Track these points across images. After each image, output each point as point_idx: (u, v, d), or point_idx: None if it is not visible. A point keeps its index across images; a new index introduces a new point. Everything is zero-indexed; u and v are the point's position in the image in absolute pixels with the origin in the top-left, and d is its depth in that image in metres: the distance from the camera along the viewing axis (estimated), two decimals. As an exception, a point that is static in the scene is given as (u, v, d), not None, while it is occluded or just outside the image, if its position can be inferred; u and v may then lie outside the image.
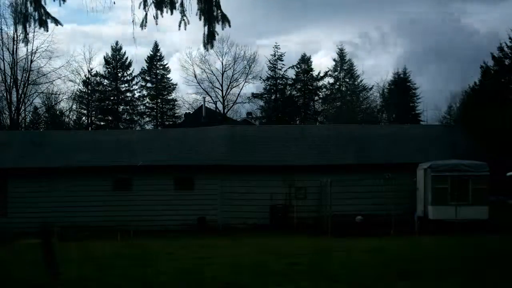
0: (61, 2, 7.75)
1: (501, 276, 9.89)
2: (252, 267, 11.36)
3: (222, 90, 66.79)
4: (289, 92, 71.47)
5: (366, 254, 13.40)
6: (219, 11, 7.58)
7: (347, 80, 67.63)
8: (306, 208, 23.76)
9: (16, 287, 9.56)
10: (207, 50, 8.25)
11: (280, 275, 10.28)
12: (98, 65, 64.95)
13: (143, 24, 7.65)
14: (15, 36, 44.37)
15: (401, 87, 61.57)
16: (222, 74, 66.47)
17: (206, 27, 7.63)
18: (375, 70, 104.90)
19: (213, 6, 7.52)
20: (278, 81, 70.88)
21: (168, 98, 71.06)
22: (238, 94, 67.67)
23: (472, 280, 9.46)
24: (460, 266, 10.97)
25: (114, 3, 7.81)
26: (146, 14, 7.55)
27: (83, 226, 23.30)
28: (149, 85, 70.44)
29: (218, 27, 7.68)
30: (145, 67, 70.13)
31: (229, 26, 7.74)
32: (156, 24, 7.66)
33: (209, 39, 7.72)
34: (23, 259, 13.89)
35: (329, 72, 70.94)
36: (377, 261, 12.07)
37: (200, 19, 7.59)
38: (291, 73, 71.08)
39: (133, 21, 7.59)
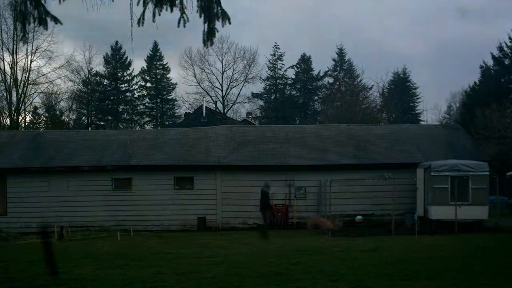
0: (61, 0, 7.68)
1: (502, 275, 9.89)
2: (252, 267, 11.34)
3: (222, 90, 66.87)
4: (289, 92, 71.51)
5: (366, 254, 13.39)
6: (219, 8, 7.56)
7: (347, 80, 67.65)
8: (306, 208, 23.75)
9: (16, 287, 9.53)
10: (207, 47, 8.21)
11: (280, 275, 10.26)
12: (98, 65, 64.66)
13: (140, 21, 7.60)
14: (15, 35, 44.28)
15: (401, 87, 61.57)
16: (222, 74, 66.56)
17: (206, 24, 7.60)
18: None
19: (213, 3, 7.49)
20: (278, 81, 70.96)
21: (168, 98, 71.06)
22: (238, 94, 67.77)
23: (472, 279, 9.44)
24: (460, 266, 10.95)
25: (113, 0, 7.73)
26: (144, 11, 7.50)
27: (83, 226, 23.33)
28: (148, 85, 70.44)
29: (218, 24, 7.66)
30: (145, 67, 70.17)
31: (229, 23, 7.71)
32: (153, 21, 7.61)
33: (209, 36, 7.69)
34: (23, 259, 13.87)
35: (329, 72, 71.13)
36: (377, 261, 12.05)
37: (200, 16, 7.56)
38: (291, 73, 71.22)
39: (131, 19, 7.53)
